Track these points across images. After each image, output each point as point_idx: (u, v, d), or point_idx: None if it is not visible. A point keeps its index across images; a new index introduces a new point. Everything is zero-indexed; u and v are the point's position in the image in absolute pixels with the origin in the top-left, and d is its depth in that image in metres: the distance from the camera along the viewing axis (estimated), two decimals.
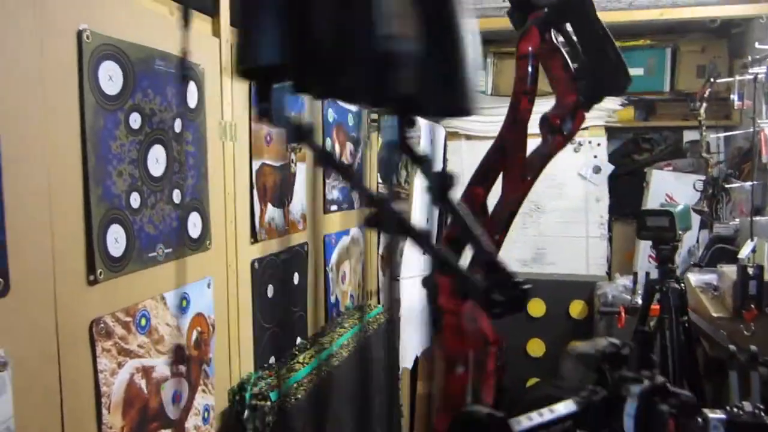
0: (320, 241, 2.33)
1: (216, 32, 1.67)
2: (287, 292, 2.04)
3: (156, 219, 1.36)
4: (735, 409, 1.59)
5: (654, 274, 2.42)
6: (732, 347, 1.77)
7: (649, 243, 2.41)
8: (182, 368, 1.46)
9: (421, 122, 2.99)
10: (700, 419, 1.61)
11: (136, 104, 1.29)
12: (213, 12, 1.66)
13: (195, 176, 1.51)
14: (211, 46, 1.63)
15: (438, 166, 3.38)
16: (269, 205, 1.91)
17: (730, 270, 2.43)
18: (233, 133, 1.71)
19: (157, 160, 1.37)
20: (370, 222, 0.57)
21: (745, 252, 2.13)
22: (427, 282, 0.56)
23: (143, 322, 1.32)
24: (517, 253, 3.79)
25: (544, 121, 1.14)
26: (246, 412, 1.65)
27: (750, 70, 2.68)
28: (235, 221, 1.72)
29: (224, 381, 1.68)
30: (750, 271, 2.05)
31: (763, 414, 1.57)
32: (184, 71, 1.46)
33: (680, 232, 2.05)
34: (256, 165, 1.83)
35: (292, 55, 0.50)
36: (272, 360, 1.92)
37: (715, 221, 3.09)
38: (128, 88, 1.27)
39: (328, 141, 2.38)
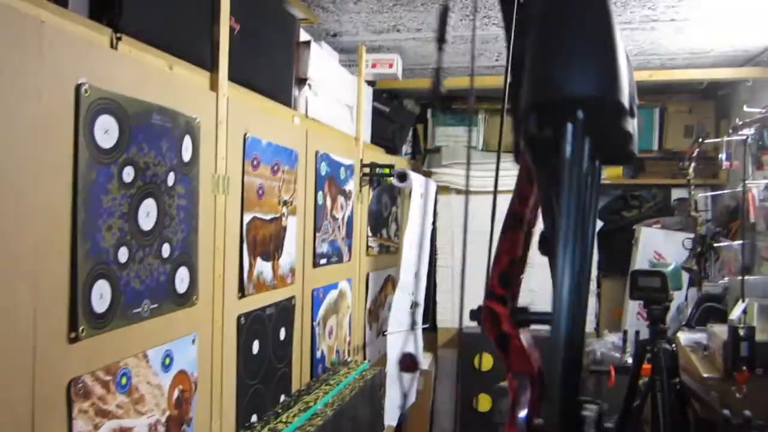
0: (308, 295, 2.30)
1: (213, 86, 1.67)
2: (273, 347, 2.00)
3: (143, 274, 1.33)
4: None
5: (643, 332, 2.38)
6: (726, 412, 1.75)
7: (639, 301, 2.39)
8: (161, 429, 1.41)
9: (413, 176, 3.00)
10: None
11: (130, 158, 1.28)
12: (211, 66, 1.67)
13: (185, 230, 1.49)
14: (208, 100, 1.63)
15: (429, 220, 3.38)
16: (259, 259, 1.89)
17: (720, 330, 2.41)
18: (226, 186, 1.69)
19: (147, 214, 1.35)
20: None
21: (736, 313, 2.12)
22: (475, 315, 0.63)
23: (124, 381, 1.28)
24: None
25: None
26: None
27: (739, 132, 2.72)
28: (223, 275, 1.69)
29: None
30: (741, 332, 2.04)
31: None
32: (181, 125, 1.46)
33: (672, 292, 2.04)
34: (247, 218, 1.81)
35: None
36: (254, 418, 1.86)
37: (704, 279, 3.09)
38: (123, 142, 1.26)
39: (320, 194, 2.37)
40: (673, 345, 2.04)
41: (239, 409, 1.78)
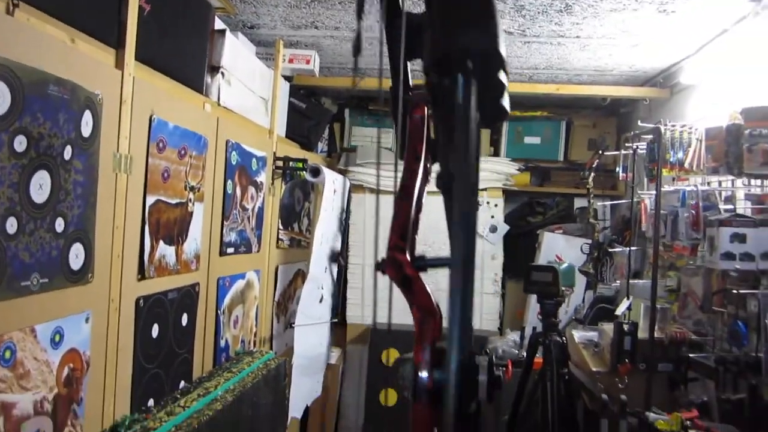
0: (214, 283, 2.29)
1: (119, 64, 1.65)
2: (174, 332, 1.98)
3: (33, 247, 1.31)
4: None
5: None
6: (604, 396, 1.87)
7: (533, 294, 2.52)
8: (48, 406, 1.38)
9: (326, 172, 3.04)
10: None
11: (23, 127, 1.26)
12: (118, 44, 1.65)
13: (82, 206, 1.47)
14: (112, 77, 1.61)
15: (341, 216, 3.42)
16: (161, 243, 1.87)
17: (610, 327, 2.57)
18: (128, 166, 1.67)
19: (40, 187, 1.32)
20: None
21: (621, 309, 2.27)
22: (380, 266, 0.72)
23: (7, 354, 1.25)
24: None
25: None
26: None
27: (631, 144, 2.91)
28: (122, 256, 1.67)
29: (96, 424, 1.60)
30: (625, 327, 2.18)
31: None
32: (80, 99, 1.44)
33: (563, 289, 2.16)
34: (150, 200, 1.79)
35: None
36: (151, 403, 1.84)
37: (600, 282, 3.28)
38: (16, 110, 1.23)
39: (230, 183, 2.37)
40: (564, 338, 2.16)
41: (135, 393, 1.76)
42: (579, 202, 4.20)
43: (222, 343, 2.39)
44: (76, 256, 1.46)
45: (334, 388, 3.58)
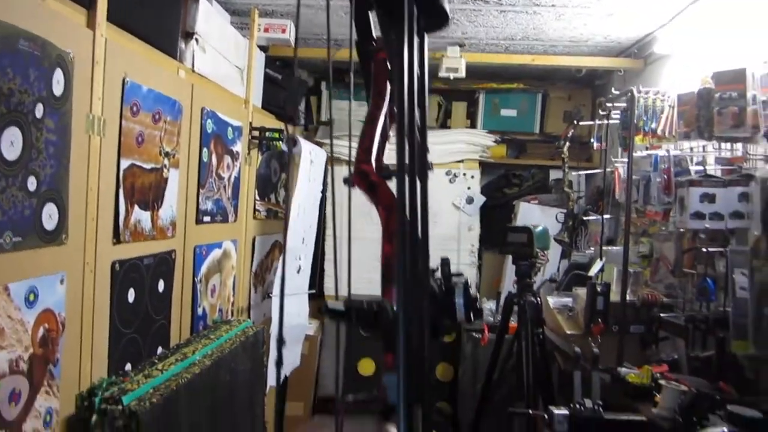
0: (190, 250, 2.28)
1: (90, 24, 1.63)
2: (150, 298, 1.98)
3: (6, 204, 1.30)
4: (577, 406, 1.72)
5: None
6: (577, 350, 1.91)
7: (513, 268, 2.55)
8: (23, 366, 1.38)
9: (302, 142, 3.03)
10: (545, 414, 1.73)
11: None
12: (89, 5, 1.63)
13: (55, 166, 1.46)
14: (83, 37, 1.59)
15: (318, 188, 3.42)
16: (136, 207, 1.86)
17: (584, 292, 2.62)
18: (101, 128, 1.66)
19: (12, 143, 1.31)
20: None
21: (594, 270, 2.31)
22: (347, 180, 0.77)
23: None
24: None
25: None
26: (94, 418, 1.58)
27: (605, 109, 2.94)
28: (96, 219, 1.66)
29: (72, 384, 1.60)
30: (598, 288, 2.23)
31: (601, 410, 1.71)
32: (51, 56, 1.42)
33: (538, 250, 2.19)
34: (125, 164, 1.78)
35: None
36: (128, 367, 1.85)
37: (574, 250, 3.33)
38: None
39: (205, 151, 2.36)
40: (538, 299, 2.19)
41: (112, 356, 1.76)
42: (554, 174, 4.24)
43: (199, 311, 2.39)
44: (49, 217, 1.45)
45: (313, 359, 3.60)
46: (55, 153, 1.46)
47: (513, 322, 2.59)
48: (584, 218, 3.36)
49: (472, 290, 0.71)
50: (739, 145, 2.33)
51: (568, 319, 2.84)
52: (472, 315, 0.66)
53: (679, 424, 1.57)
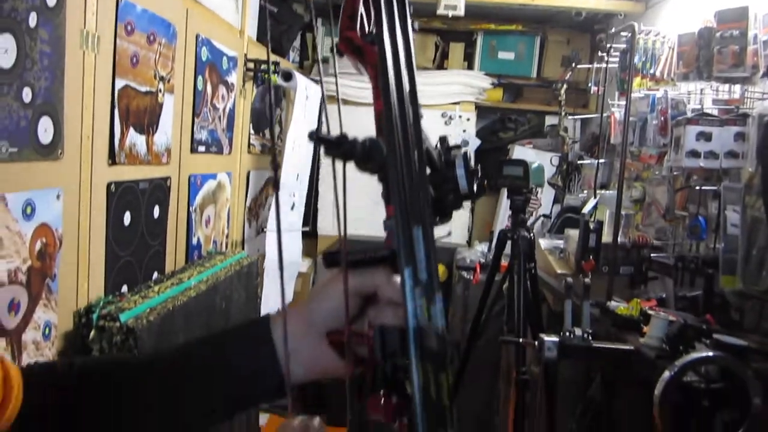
0: (185, 179, 2.27)
1: None
2: (146, 223, 1.98)
3: (1, 113, 1.28)
4: (567, 333, 1.76)
5: None
6: (569, 279, 1.94)
7: (508, 213, 2.57)
8: (22, 277, 1.39)
9: (298, 77, 2.99)
10: (536, 342, 1.77)
11: None
12: None
13: (49, 78, 1.43)
14: None
15: (313, 125, 3.39)
16: (131, 130, 1.85)
17: (575, 233, 2.64)
18: (95, 45, 1.63)
19: (6, 51, 1.28)
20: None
21: (587, 208, 2.33)
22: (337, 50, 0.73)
23: None
24: (381, 221, 3.88)
25: None
26: (92, 333, 1.60)
27: (603, 52, 2.91)
28: (92, 137, 1.64)
29: (70, 301, 1.61)
30: (591, 225, 2.25)
31: (590, 338, 1.75)
32: None
33: (533, 186, 2.20)
34: (119, 84, 1.75)
35: None
36: (125, 289, 1.86)
37: (567, 194, 3.34)
38: None
39: (200, 79, 2.32)
40: (531, 234, 2.22)
41: (108, 278, 1.77)
42: (550, 120, 4.23)
43: (194, 240, 2.40)
44: (45, 130, 1.43)
45: (305, 296, 3.64)
46: (49, 65, 1.43)
47: (504, 263, 2.62)
48: (578, 162, 3.37)
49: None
50: (736, 88, 2.32)
51: (559, 259, 2.88)
52: (474, 187, 0.65)
53: (665, 353, 1.61)
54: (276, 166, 2.88)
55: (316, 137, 0.59)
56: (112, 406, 0.63)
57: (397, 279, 0.58)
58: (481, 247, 3.53)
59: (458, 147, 0.68)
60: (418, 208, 0.52)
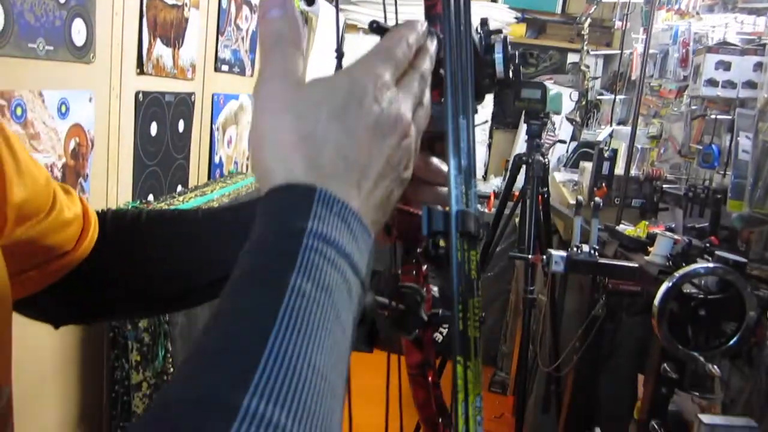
0: (209, 97, 2.33)
1: None
2: (171, 135, 2.05)
3: (38, 11, 1.34)
4: (575, 249, 1.82)
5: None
6: (579, 197, 1.99)
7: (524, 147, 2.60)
8: (57, 173, 1.47)
9: (321, 2, 3.00)
10: (544, 256, 1.84)
11: None
12: None
13: None
14: None
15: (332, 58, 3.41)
16: (159, 41, 1.89)
17: (590, 165, 2.68)
18: None
19: None
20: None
21: (603, 135, 2.36)
22: None
23: (19, 111, 1.31)
24: None
25: None
26: None
27: None
28: (122, 44, 1.70)
29: (100, 204, 1.69)
30: (605, 153, 2.29)
31: (596, 254, 1.82)
32: None
33: (549, 111, 2.23)
34: None
35: None
36: (151, 197, 1.94)
37: (585, 129, 3.36)
38: None
39: None
40: (546, 159, 2.26)
41: (135, 184, 1.85)
42: (572, 58, 4.20)
43: (216, 159, 2.47)
44: (78, 32, 1.49)
45: None
46: None
47: (517, 193, 2.67)
48: (598, 98, 3.37)
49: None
50: (761, 20, 2.31)
51: (572, 191, 2.92)
52: (511, 72, 0.68)
53: (669, 269, 1.68)
54: None
55: (375, 26, 0.63)
56: (167, 244, 0.70)
57: (435, 161, 0.63)
58: (496, 181, 3.58)
59: (499, 31, 0.71)
60: (465, 99, 0.58)
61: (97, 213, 0.70)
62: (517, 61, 0.71)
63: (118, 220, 0.71)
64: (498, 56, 0.71)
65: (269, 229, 0.39)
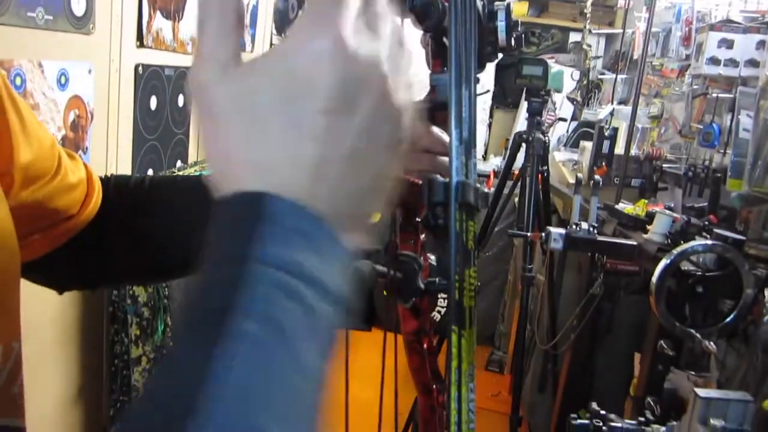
0: None
1: None
2: (170, 110, 2.04)
3: None
4: (574, 226, 1.83)
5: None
6: (579, 175, 2.00)
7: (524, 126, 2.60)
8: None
9: None
10: (543, 233, 1.84)
11: None
12: None
13: None
14: None
15: None
16: (158, 14, 1.88)
17: (590, 144, 2.67)
18: None
19: None
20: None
21: (603, 114, 2.36)
22: None
23: (18, 81, 1.30)
24: None
25: None
26: None
27: None
28: (121, 16, 1.68)
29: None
30: (606, 132, 2.28)
31: (595, 232, 1.82)
32: None
33: (550, 88, 2.22)
34: None
35: None
36: (150, 172, 1.94)
37: (585, 108, 3.35)
38: None
39: None
40: (547, 137, 2.25)
41: (135, 158, 1.84)
42: (574, 37, 4.18)
43: None
44: (78, 1, 1.47)
45: None
46: None
47: (517, 172, 2.67)
48: (599, 78, 3.36)
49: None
50: None
51: (572, 171, 2.92)
52: (513, 40, 0.68)
53: (667, 246, 1.68)
54: None
55: None
56: (172, 210, 0.70)
57: (435, 130, 0.62)
58: (495, 161, 3.58)
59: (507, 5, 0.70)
60: (469, 69, 0.57)
61: (101, 179, 0.70)
62: (519, 29, 0.71)
63: (121, 186, 0.71)
64: (500, 24, 0.70)
65: (210, 253, 0.33)
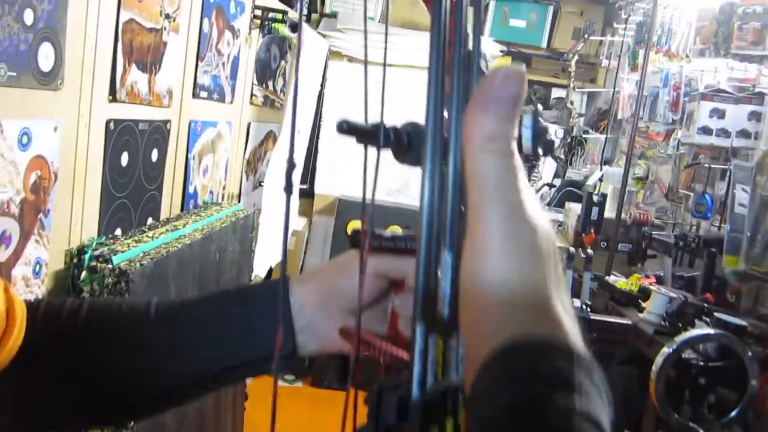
0: (185, 124, 2.22)
1: None
2: (143, 166, 1.93)
3: (0, 34, 1.22)
4: None
5: None
6: (571, 249, 1.92)
7: None
8: (15, 209, 1.34)
9: (306, 28, 2.92)
10: None
11: None
12: None
13: (52, 2, 1.37)
14: None
15: (318, 80, 3.33)
16: (134, 67, 1.78)
17: (577, 207, 2.61)
18: None
19: None
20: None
21: (592, 179, 2.30)
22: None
23: None
24: (382, 183, 3.83)
25: None
26: (84, 274, 1.56)
27: (619, 24, 2.86)
28: (93, 69, 1.58)
29: (62, 240, 1.57)
30: (594, 198, 2.22)
31: (588, 310, 1.73)
32: None
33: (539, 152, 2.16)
34: (124, 17, 1.69)
35: None
36: (119, 232, 1.82)
37: (569, 167, 3.31)
38: None
39: (206, 22, 2.25)
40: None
41: (103, 218, 1.73)
42: (556, 92, 4.18)
43: (191, 189, 2.35)
44: (45, 57, 1.37)
45: (297, 255, 3.62)
46: None
47: None
48: (583, 135, 3.33)
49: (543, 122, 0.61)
50: (752, 67, 2.28)
51: (557, 233, 2.85)
52: (540, 149, 0.58)
53: (664, 329, 1.60)
54: (292, 165, 2.82)
55: (346, 127, 0.53)
56: (112, 351, 0.59)
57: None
58: None
59: (530, 101, 0.62)
60: (453, 234, 0.46)
61: (29, 304, 0.59)
62: (548, 137, 0.62)
63: (52, 315, 0.60)
64: (526, 130, 0.61)
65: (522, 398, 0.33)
